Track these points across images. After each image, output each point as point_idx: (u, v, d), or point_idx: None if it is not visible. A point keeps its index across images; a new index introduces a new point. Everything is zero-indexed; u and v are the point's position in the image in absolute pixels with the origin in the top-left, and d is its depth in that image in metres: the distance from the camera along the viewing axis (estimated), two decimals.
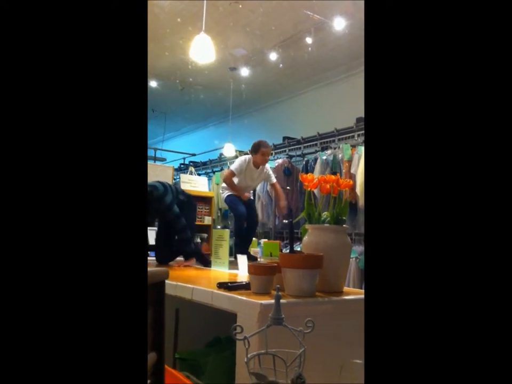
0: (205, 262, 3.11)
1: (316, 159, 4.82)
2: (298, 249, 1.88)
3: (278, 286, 0.95)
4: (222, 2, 4.19)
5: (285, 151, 5.60)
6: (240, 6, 4.30)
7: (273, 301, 1.39)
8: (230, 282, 1.66)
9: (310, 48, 4.93)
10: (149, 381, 0.66)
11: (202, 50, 2.98)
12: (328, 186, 1.69)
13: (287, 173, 5.25)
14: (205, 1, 3.21)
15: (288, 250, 1.58)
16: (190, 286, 1.76)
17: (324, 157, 4.71)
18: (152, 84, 6.35)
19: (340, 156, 4.53)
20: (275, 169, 5.26)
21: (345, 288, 1.71)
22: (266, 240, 4.25)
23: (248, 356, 0.77)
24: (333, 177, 1.70)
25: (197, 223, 5.95)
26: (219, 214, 6.23)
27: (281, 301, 1.41)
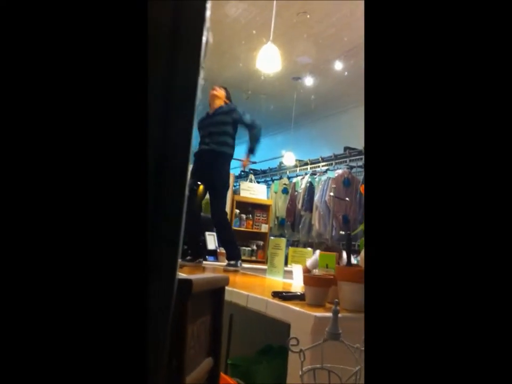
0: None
1: None
2: (355, 262, 1.84)
3: (336, 300, 0.94)
4: (290, 13, 4.23)
5: (346, 161, 5.53)
6: (308, 16, 4.32)
7: (327, 314, 1.38)
8: (285, 292, 1.66)
9: None
10: None
11: (268, 60, 3.02)
12: None
13: (347, 184, 5.18)
14: (273, 11, 3.25)
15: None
16: (245, 293, 1.78)
17: None
18: None
19: None
20: (334, 180, 5.20)
21: None
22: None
23: (303, 369, 0.77)
24: None
25: (253, 230, 6.01)
26: (276, 223, 6.25)
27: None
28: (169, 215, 0.47)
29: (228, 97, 3.41)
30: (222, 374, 1.49)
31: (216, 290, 0.71)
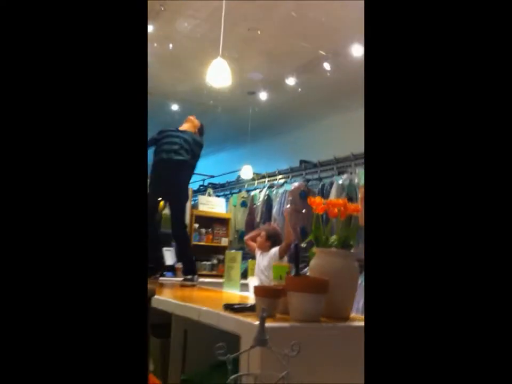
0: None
1: (332, 183, 4.83)
2: (309, 273, 1.87)
3: (264, 307, 0.96)
4: (241, 28, 4.30)
5: (302, 174, 5.62)
6: (259, 32, 4.41)
7: (277, 324, 1.40)
8: (236, 304, 1.66)
9: (328, 74, 4.99)
10: None
11: (219, 74, 3.07)
12: (336, 210, 1.70)
13: (303, 196, 5.26)
14: (222, 27, 3.31)
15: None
16: (197, 307, 1.77)
17: (340, 181, 4.72)
18: (174, 107, 6.50)
19: (356, 180, 4.54)
20: (291, 192, 5.27)
21: (353, 315, 1.69)
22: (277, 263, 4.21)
23: (231, 377, 0.79)
24: (341, 201, 1.71)
25: (213, 244, 5.99)
26: (236, 236, 6.25)
27: (285, 324, 1.41)
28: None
29: (201, 132, 3.61)
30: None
31: None
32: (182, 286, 3.06)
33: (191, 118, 3.60)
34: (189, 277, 3.16)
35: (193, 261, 3.40)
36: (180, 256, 3.55)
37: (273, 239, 3.77)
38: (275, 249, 3.65)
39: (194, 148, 3.37)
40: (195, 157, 3.41)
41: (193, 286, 3.11)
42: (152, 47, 4.78)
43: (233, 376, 0.78)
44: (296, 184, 5.40)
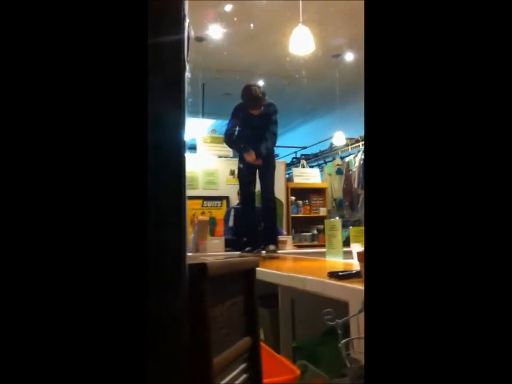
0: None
1: None
2: None
3: None
4: None
5: None
6: None
7: None
8: (341, 271, 1.65)
9: None
10: (245, 364, 0.70)
11: (301, 42, 3.00)
12: None
13: None
14: None
15: None
16: (302, 276, 1.79)
17: None
18: (260, 82, 6.51)
19: None
20: None
21: None
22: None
23: (342, 341, 0.78)
24: None
25: (311, 215, 5.99)
26: (334, 205, 6.18)
27: None
28: (170, 210, 0.49)
29: (262, 102, 3.55)
30: (270, 351, 1.52)
31: (245, 272, 0.73)
32: (270, 257, 3.12)
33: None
34: (272, 247, 3.23)
35: (276, 233, 3.50)
36: (265, 225, 3.54)
37: None
38: None
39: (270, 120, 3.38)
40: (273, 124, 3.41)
41: (277, 257, 3.17)
42: (233, 25, 4.82)
43: (344, 341, 0.78)
44: None
